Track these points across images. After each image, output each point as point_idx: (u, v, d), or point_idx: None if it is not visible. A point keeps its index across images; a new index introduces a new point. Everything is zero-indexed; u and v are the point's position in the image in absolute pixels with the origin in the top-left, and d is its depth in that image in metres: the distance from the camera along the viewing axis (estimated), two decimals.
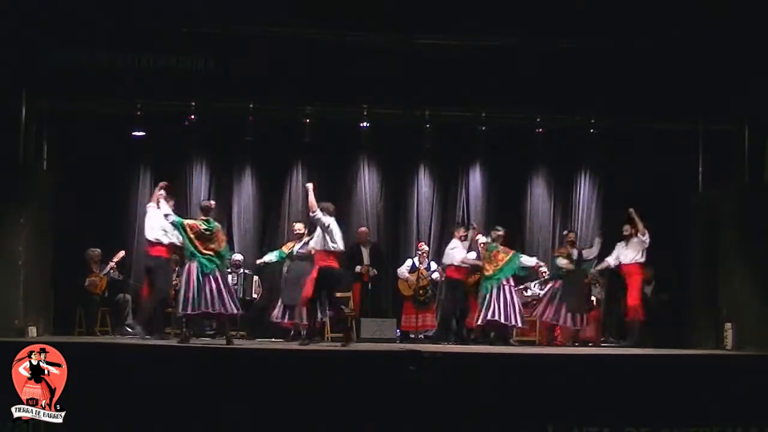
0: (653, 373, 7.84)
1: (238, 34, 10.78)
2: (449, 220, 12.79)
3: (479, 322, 11.25)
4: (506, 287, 11.20)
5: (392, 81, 10.95)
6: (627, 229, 11.52)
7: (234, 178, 12.78)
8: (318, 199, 9.70)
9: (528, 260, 11.55)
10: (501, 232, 11.50)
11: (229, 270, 11.85)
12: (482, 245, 11.40)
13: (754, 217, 10.82)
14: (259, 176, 12.83)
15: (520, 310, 11.27)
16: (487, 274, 11.24)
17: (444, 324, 11.71)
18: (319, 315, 9.98)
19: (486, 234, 11.67)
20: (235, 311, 9.58)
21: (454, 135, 12.32)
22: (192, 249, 9.46)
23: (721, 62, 10.84)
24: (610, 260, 11.64)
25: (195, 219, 9.77)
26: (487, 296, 11.13)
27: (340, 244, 9.69)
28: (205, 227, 9.53)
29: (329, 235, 9.57)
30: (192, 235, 9.49)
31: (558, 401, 7.23)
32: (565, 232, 12.17)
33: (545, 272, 12.37)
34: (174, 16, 10.46)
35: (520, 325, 11.35)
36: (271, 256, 11.40)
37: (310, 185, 9.79)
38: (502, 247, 11.38)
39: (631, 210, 11.38)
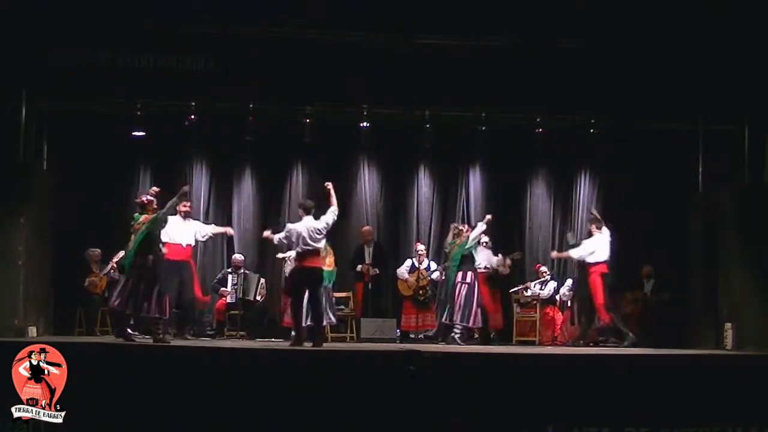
0: (653, 373, 7.83)
1: (238, 34, 10.77)
2: (449, 220, 12.78)
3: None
4: (459, 286, 11.13)
5: (392, 81, 10.94)
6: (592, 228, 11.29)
7: (234, 178, 12.77)
8: (315, 199, 9.67)
9: (476, 231, 11.35)
10: (459, 227, 11.57)
11: (230, 270, 11.88)
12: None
13: (754, 217, 10.81)
14: (259, 176, 12.82)
15: (475, 309, 11.17)
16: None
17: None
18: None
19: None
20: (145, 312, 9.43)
21: (454, 135, 12.31)
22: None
23: (721, 62, 10.84)
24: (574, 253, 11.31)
25: None
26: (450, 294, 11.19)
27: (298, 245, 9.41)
28: (132, 223, 9.47)
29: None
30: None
31: (558, 401, 7.23)
32: None
33: (545, 272, 12.38)
34: (174, 16, 10.45)
35: (480, 325, 11.30)
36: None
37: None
38: (458, 241, 11.35)
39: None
